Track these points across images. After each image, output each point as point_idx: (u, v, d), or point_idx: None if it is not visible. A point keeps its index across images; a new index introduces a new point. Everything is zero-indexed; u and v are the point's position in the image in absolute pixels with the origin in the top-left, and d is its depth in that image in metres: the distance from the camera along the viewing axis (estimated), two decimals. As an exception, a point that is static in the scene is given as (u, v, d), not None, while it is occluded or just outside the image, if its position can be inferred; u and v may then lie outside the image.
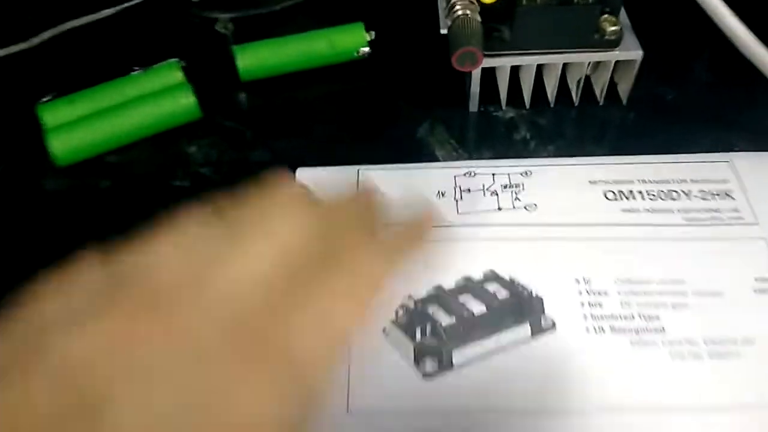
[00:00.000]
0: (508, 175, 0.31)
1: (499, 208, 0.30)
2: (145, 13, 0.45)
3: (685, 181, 0.31)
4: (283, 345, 0.16)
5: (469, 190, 0.31)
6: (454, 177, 0.31)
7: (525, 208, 0.30)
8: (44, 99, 0.36)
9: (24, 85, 0.39)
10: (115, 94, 0.37)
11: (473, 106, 0.36)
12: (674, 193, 0.31)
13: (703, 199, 0.30)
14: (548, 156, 0.33)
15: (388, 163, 0.33)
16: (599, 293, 0.27)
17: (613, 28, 0.32)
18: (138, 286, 0.16)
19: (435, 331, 0.26)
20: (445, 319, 0.26)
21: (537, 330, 0.26)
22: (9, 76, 0.40)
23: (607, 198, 0.30)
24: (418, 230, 0.23)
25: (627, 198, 0.30)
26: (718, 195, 0.30)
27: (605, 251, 0.28)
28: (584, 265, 0.28)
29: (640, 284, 0.27)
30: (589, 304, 0.27)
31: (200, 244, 0.17)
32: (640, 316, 0.26)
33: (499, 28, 0.33)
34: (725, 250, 0.28)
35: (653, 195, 0.31)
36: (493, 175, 0.31)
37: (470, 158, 0.34)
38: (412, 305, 0.27)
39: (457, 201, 0.30)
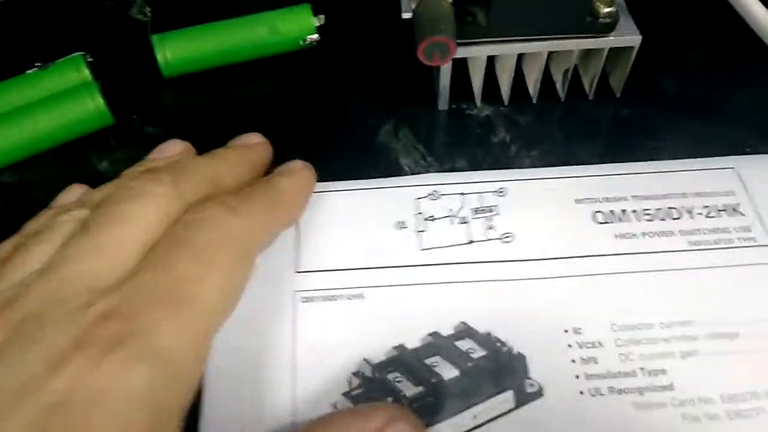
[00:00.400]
0: (480, 195, 0.26)
1: (470, 242, 0.25)
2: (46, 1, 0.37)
3: (685, 195, 0.26)
4: (143, 333, 0.17)
5: (433, 218, 0.25)
6: (415, 200, 0.26)
7: (500, 239, 0.25)
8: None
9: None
10: (8, 97, 0.30)
11: (443, 103, 0.31)
12: (674, 211, 0.26)
13: (708, 216, 0.26)
14: (531, 162, 0.28)
15: (341, 175, 0.27)
16: (593, 345, 0.22)
17: (608, 10, 0.27)
18: None
19: (397, 406, 0.21)
20: (409, 389, 0.21)
21: (521, 398, 0.21)
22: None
23: (597, 221, 0.25)
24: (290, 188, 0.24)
25: (620, 220, 0.26)
26: (724, 211, 0.26)
27: (597, 290, 0.24)
28: (573, 311, 0.23)
29: (641, 330, 0.23)
30: (581, 359, 0.22)
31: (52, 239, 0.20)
32: (643, 371, 0.22)
33: (473, 11, 0.27)
34: (738, 279, 0.24)
35: (650, 214, 0.26)
36: (462, 195, 0.26)
37: (442, 168, 0.28)
38: (368, 372, 0.22)
39: (419, 234, 0.25)
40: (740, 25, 0.27)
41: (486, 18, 0.27)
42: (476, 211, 0.26)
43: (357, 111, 0.32)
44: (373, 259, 0.24)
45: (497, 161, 0.29)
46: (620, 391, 0.22)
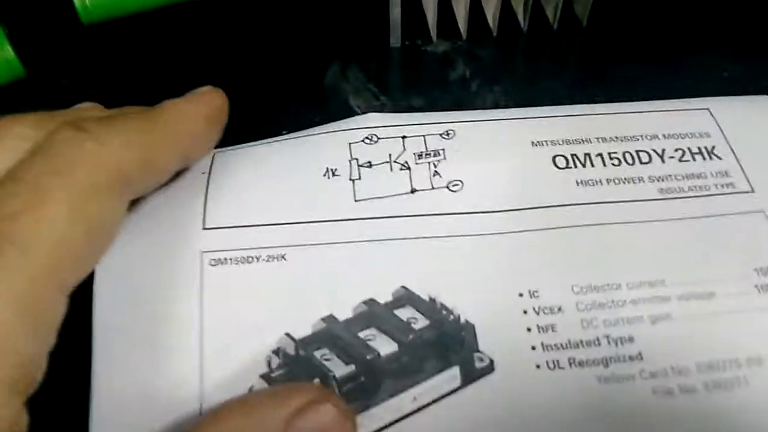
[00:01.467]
0: (424, 138, 0.22)
1: (413, 191, 0.21)
2: None
3: (656, 136, 0.23)
4: None
5: (370, 164, 0.22)
6: (349, 145, 0.22)
7: (448, 187, 0.21)
8: None
9: None
10: None
11: (395, 39, 0.28)
12: (643, 155, 0.23)
13: (681, 160, 0.23)
14: (494, 98, 0.26)
15: (286, 123, 0.24)
16: (552, 310, 0.20)
17: None
18: None
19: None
20: (339, 368, 0.18)
21: (469, 374, 0.19)
22: None
23: (556, 166, 0.22)
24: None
25: (583, 164, 0.22)
26: (699, 154, 0.23)
27: (557, 246, 0.21)
28: (530, 271, 0.20)
29: (606, 292, 0.20)
30: (538, 328, 0.19)
31: None
32: (608, 340, 0.19)
33: None
34: (715, 231, 0.21)
35: (617, 158, 0.22)
36: (403, 138, 0.22)
37: (396, 107, 0.25)
38: (291, 349, 0.19)
39: (353, 182, 0.21)
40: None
41: None
42: (420, 156, 0.22)
43: (301, 51, 0.29)
44: (298, 213, 0.21)
45: (457, 99, 0.26)
46: (582, 363, 0.19)
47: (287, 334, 0.19)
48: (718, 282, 0.20)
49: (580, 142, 0.23)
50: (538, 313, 0.19)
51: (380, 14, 0.28)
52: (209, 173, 0.21)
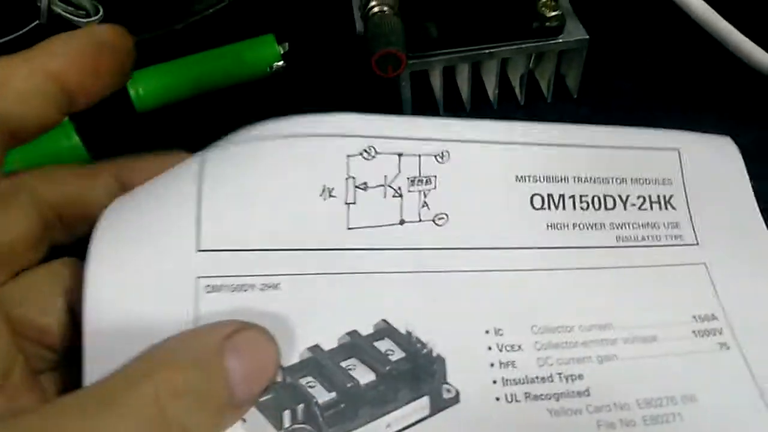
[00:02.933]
0: (419, 158, 0.23)
1: (402, 222, 0.23)
2: (25, 48, 0.37)
3: (624, 180, 0.25)
4: None
5: (365, 187, 0.23)
6: (347, 158, 0.23)
7: (434, 220, 0.23)
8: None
9: None
10: None
11: (407, 113, 0.31)
12: (609, 200, 0.25)
13: (641, 208, 0.25)
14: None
15: None
16: (513, 348, 0.22)
17: (554, 13, 0.28)
18: None
19: (309, 414, 0.20)
20: (322, 395, 0.20)
21: (437, 404, 0.21)
22: None
23: (533, 206, 0.24)
24: None
25: (556, 206, 0.24)
26: (657, 203, 0.25)
27: (522, 288, 0.23)
28: (497, 310, 0.22)
29: (561, 333, 0.22)
30: (500, 363, 0.22)
31: None
32: (560, 377, 0.22)
33: (425, 24, 0.29)
34: (659, 279, 0.24)
35: (586, 202, 0.25)
36: (400, 156, 0.23)
37: None
38: (279, 376, 0.21)
39: (348, 207, 0.23)
40: (688, 20, 0.28)
41: (437, 30, 0.29)
42: (413, 182, 0.23)
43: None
44: (294, 237, 0.22)
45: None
46: (536, 397, 0.21)
47: (276, 362, 0.21)
48: (660, 327, 0.23)
49: (558, 181, 0.25)
50: (501, 350, 0.22)
51: (396, 93, 0.31)
52: (200, 178, 0.21)
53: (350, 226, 0.22)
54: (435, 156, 0.24)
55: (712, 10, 0.28)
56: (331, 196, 0.22)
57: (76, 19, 0.41)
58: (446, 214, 0.23)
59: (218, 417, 0.18)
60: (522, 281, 0.23)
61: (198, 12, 0.40)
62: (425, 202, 0.23)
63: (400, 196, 0.23)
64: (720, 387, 0.22)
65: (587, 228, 0.24)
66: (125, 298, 0.20)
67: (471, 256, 0.23)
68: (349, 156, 0.23)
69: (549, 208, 0.24)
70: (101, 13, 0.41)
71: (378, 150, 0.23)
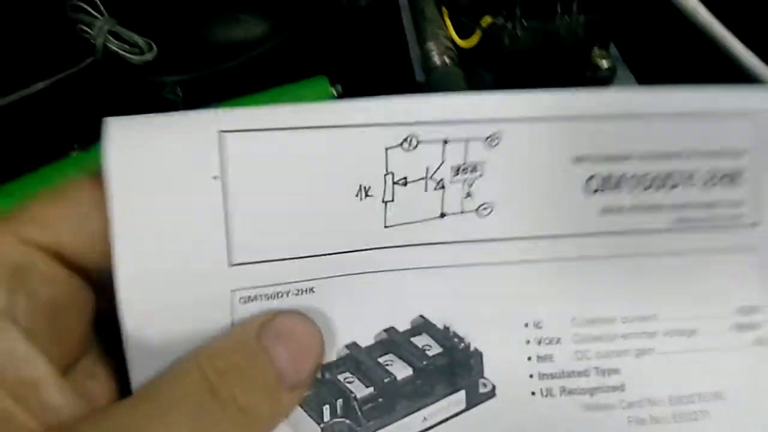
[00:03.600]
0: (466, 144, 0.21)
1: (442, 215, 0.22)
2: (81, 84, 0.40)
3: (690, 155, 0.22)
4: None
5: (405, 182, 0.21)
6: (385, 151, 0.21)
7: (477, 211, 0.22)
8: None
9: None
10: (51, 181, 0.29)
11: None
12: (674, 178, 0.22)
13: (706, 185, 0.23)
14: None
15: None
16: (551, 341, 0.22)
17: (606, 64, 0.29)
18: None
19: (348, 408, 0.21)
20: (360, 390, 0.21)
21: (473, 398, 0.21)
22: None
23: (589, 190, 0.22)
24: None
25: (613, 188, 0.22)
26: (726, 177, 0.23)
27: (567, 278, 0.22)
28: (538, 302, 0.22)
29: (601, 325, 0.22)
30: (537, 357, 0.22)
31: None
32: (596, 371, 0.22)
33: (481, 74, 0.30)
34: (710, 266, 0.23)
35: (647, 181, 0.22)
36: (444, 144, 0.21)
37: None
38: (318, 372, 0.21)
39: (386, 205, 0.21)
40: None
41: (494, 79, 0.30)
42: (457, 171, 0.21)
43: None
44: (328, 242, 0.21)
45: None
46: (571, 392, 0.22)
47: (315, 359, 0.21)
48: (702, 319, 0.22)
49: (620, 160, 0.22)
50: (539, 343, 0.22)
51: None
52: (223, 179, 0.19)
53: (387, 224, 0.21)
54: (485, 140, 0.21)
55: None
56: (367, 195, 0.21)
57: (129, 56, 0.42)
58: (490, 203, 0.22)
59: (273, 398, 0.19)
60: (567, 271, 0.22)
61: (250, 51, 0.41)
62: (469, 192, 0.22)
63: (443, 188, 0.21)
64: (751, 385, 0.22)
65: (645, 211, 0.23)
66: (163, 322, 0.19)
67: (514, 246, 0.22)
68: (387, 148, 0.21)
69: (605, 190, 0.22)
70: (154, 50, 0.42)
71: (420, 138, 0.21)
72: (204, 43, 0.43)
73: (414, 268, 0.22)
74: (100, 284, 0.19)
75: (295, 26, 0.42)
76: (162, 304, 0.19)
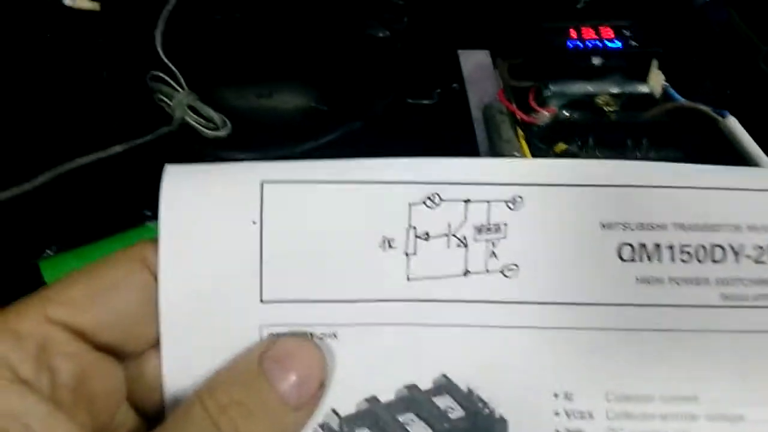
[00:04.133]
0: (488, 204, 0.22)
1: (467, 272, 0.22)
2: (159, 151, 0.41)
3: (739, 227, 0.21)
4: None
5: (427, 237, 0.21)
6: (409, 207, 0.21)
7: (503, 272, 0.22)
8: (47, 253, 0.32)
9: (23, 235, 0.35)
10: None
11: None
12: (718, 251, 0.22)
13: (758, 261, 0.22)
14: None
15: None
16: (582, 416, 0.21)
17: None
18: None
19: (363, 465, 0.20)
20: (377, 448, 0.20)
21: (495, 470, 0.20)
22: (7, 223, 0.36)
23: (621, 257, 0.21)
24: None
25: (649, 258, 0.21)
26: None
27: (601, 349, 0.21)
28: (569, 372, 0.21)
29: (637, 403, 0.21)
30: (567, 431, 0.21)
31: None
32: (630, 452, 0.20)
33: None
34: (760, 347, 0.21)
35: (687, 253, 0.21)
36: (466, 204, 0.22)
37: None
38: (336, 425, 0.21)
39: (408, 257, 0.21)
40: None
41: None
42: (480, 230, 0.22)
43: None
44: (351, 290, 0.21)
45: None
46: None
47: (333, 410, 0.21)
48: (751, 405, 0.21)
49: (654, 228, 0.21)
50: (569, 416, 0.21)
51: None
52: (261, 224, 0.21)
53: (411, 277, 0.21)
54: (506, 202, 0.21)
55: None
56: (390, 247, 0.21)
57: (204, 130, 0.44)
58: (517, 265, 0.21)
59: (277, 423, 0.19)
60: (600, 341, 0.21)
61: (330, 133, 0.43)
62: (493, 252, 0.21)
63: (465, 246, 0.21)
64: None
65: (687, 284, 0.22)
66: (199, 357, 0.20)
67: (543, 311, 0.21)
68: (411, 204, 0.21)
69: (641, 260, 0.22)
70: (228, 126, 0.43)
71: (442, 197, 0.21)
72: (278, 123, 0.45)
73: (437, 325, 0.21)
74: (129, 357, 0.21)
75: (362, 117, 0.45)
76: (200, 340, 0.20)
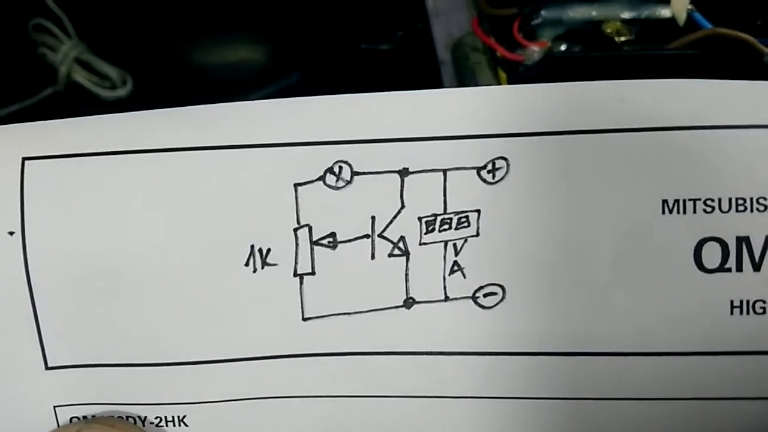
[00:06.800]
0: (443, 177, 0.12)
1: (408, 302, 0.12)
2: (43, 117, 0.32)
3: None
4: None
5: (333, 241, 0.12)
6: (294, 188, 0.12)
7: (475, 298, 0.12)
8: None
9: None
10: None
11: None
12: None
13: None
14: None
15: None
16: None
17: None
18: None
19: None
20: None
21: None
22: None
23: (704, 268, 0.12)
24: None
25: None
26: None
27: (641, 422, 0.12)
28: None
29: None
30: None
31: None
32: None
33: None
34: None
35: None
36: (403, 174, 0.12)
37: None
38: None
39: (301, 280, 0.12)
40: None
41: None
42: (430, 224, 0.12)
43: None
44: (203, 344, 0.12)
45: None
46: None
47: None
48: None
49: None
50: None
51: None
52: (22, 234, 0.12)
53: (306, 316, 0.12)
54: (477, 170, 0.12)
55: None
56: (266, 264, 0.12)
57: (97, 89, 0.36)
58: (501, 286, 0.12)
59: None
60: (645, 413, 0.12)
61: (259, 89, 0.36)
62: (456, 263, 0.12)
63: (405, 253, 0.12)
64: None
65: None
66: None
67: (545, 365, 0.12)
68: (297, 185, 0.12)
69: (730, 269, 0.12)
70: (130, 84, 0.36)
71: (356, 168, 0.12)
72: (195, 82, 0.37)
73: (355, 396, 0.12)
74: None
75: (302, 68, 0.37)
76: None
